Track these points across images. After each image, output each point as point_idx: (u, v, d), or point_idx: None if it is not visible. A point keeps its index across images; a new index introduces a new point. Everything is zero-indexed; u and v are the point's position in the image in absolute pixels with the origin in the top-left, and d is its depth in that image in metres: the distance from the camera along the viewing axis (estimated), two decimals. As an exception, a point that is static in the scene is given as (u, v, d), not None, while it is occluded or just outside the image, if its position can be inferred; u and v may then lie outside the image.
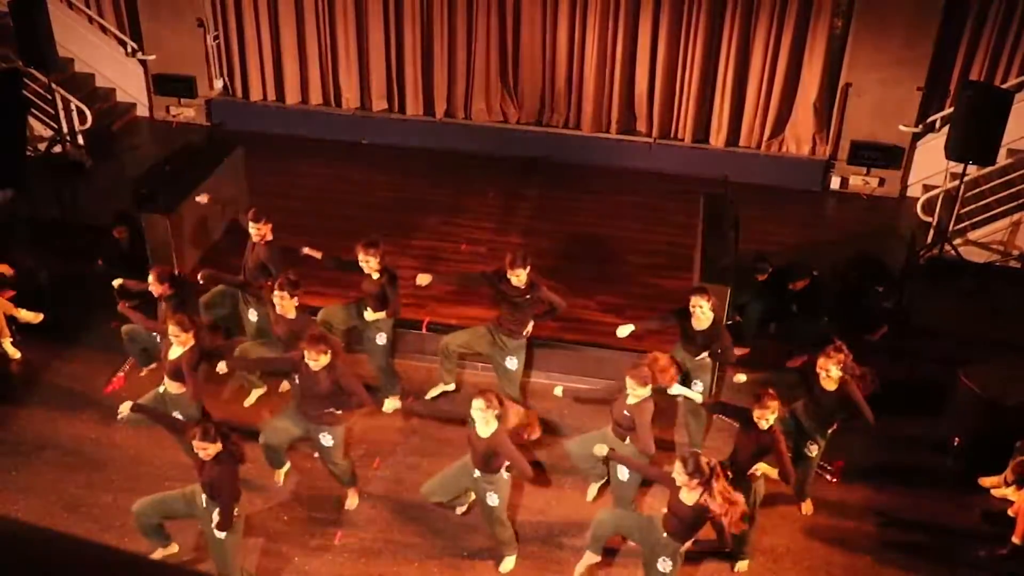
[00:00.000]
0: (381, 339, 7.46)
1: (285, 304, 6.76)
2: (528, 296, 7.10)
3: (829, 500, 7.13)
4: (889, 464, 7.42)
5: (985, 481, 7.15)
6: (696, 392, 6.67)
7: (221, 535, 5.79)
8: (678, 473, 5.44)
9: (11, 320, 8.30)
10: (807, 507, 7.00)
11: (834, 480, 7.25)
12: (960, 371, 7.37)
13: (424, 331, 8.22)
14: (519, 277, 6.98)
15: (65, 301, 8.73)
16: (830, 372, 6.35)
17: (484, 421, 5.89)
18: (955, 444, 7.47)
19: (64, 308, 8.66)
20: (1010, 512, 6.74)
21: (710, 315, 6.80)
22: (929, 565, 6.63)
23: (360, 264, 7.21)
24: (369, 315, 7.37)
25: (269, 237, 7.51)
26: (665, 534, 5.69)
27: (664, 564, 5.73)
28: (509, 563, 6.52)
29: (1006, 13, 9.98)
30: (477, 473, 6.11)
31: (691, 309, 6.80)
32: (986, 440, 7.22)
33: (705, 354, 6.99)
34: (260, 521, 6.84)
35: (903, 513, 7.03)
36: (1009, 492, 6.91)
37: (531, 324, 7.34)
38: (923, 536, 6.87)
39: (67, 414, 7.73)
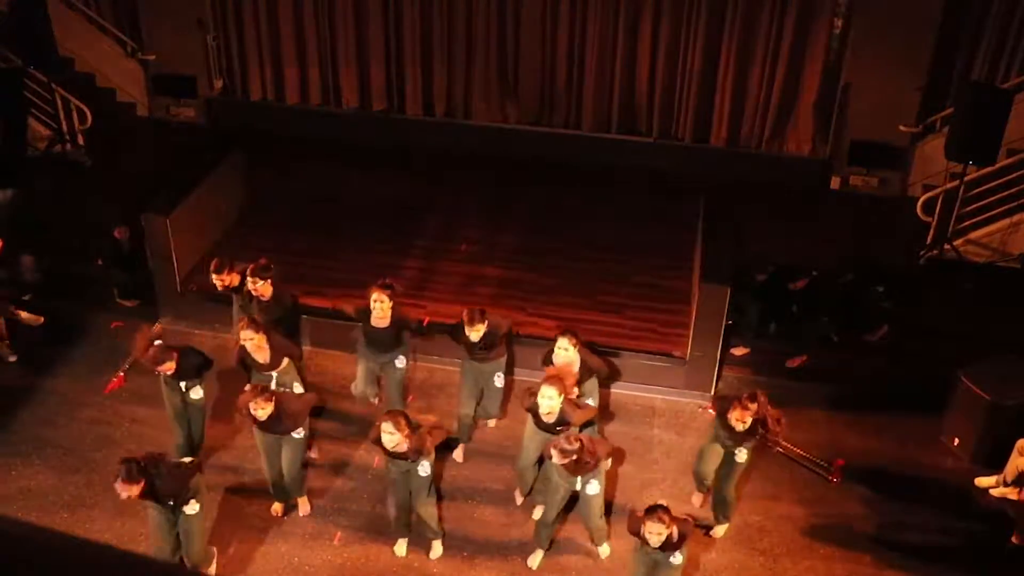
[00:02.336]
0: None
1: (261, 287, 7.07)
2: (490, 339, 7.02)
3: (829, 500, 7.13)
4: (889, 464, 7.42)
5: (982, 481, 7.15)
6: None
7: (195, 509, 5.95)
8: (656, 535, 5.51)
9: (11, 322, 8.30)
10: (721, 531, 6.85)
11: (834, 480, 7.25)
12: (960, 371, 7.38)
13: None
14: (478, 332, 6.87)
15: (65, 301, 8.74)
16: (746, 422, 6.18)
17: (396, 442, 5.98)
18: (955, 444, 7.49)
19: (64, 308, 8.68)
20: (1010, 512, 6.75)
21: (575, 354, 6.73)
22: (929, 565, 6.62)
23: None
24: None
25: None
26: None
27: None
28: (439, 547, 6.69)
29: (1006, 13, 9.97)
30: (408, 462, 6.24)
31: (555, 351, 6.71)
32: (986, 440, 7.23)
33: (592, 382, 6.96)
34: (260, 521, 6.85)
35: (903, 513, 7.03)
36: (1008, 492, 6.92)
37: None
38: (923, 536, 6.87)
39: (67, 414, 7.73)
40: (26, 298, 8.60)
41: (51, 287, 8.82)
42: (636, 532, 5.71)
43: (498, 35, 11.26)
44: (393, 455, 6.18)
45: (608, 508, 7.01)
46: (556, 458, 5.89)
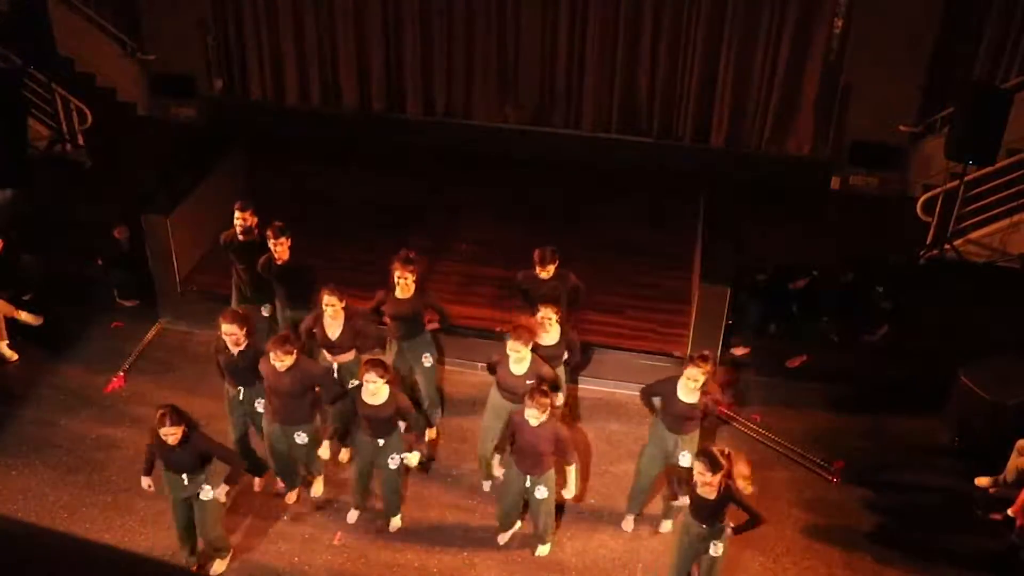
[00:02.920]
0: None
1: (280, 248, 7.07)
2: (557, 286, 7.06)
3: (829, 500, 7.13)
4: (889, 464, 7.42)
5: (982, 481, 7.15)
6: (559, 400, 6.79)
7: (210, 495, 5.98)
8: (699, 474, 5.45)
9: (11, 322, 8.31)
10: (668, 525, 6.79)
11: (834, 480, 7.25)
12: (960, 371, 7.38)
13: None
14: (549, 272, 7.01)
15: (65, 301, 8.74)
16: (697, 380, 6.07)
17: (377, 390, 6.05)
18: (955, 444, 7.49)
19: (64, 308, 8.67)
20: (1009, 512, 6.75)
21: (557, 328, 6.70)
22: (929, 565, 6.63)
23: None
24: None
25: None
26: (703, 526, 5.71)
27: (715, 548, 5.76)
28: (398, 521, 6.79)
29: (1006, 13, 9.97)
30: (381, 441, 6.29)
31: (539, 321, 6.60)
32: (986, 440, 7.23)
33: (560, 368, 6.87)
34: (260, 521, 6.85)
35: (903, 513, 7.03)
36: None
37: None
38: (923, 536, 6.87)
39: (67, 414, 7.73)
40: (26, 298, 8.61)
41: (51, 287, 8.82)
42: (688, 480, 5.65)
43: (498, 35, 11.26)
44: (369, 419, 6.18)
45: (608, 509, 7.02)
46: (530, 405, 5.81)
